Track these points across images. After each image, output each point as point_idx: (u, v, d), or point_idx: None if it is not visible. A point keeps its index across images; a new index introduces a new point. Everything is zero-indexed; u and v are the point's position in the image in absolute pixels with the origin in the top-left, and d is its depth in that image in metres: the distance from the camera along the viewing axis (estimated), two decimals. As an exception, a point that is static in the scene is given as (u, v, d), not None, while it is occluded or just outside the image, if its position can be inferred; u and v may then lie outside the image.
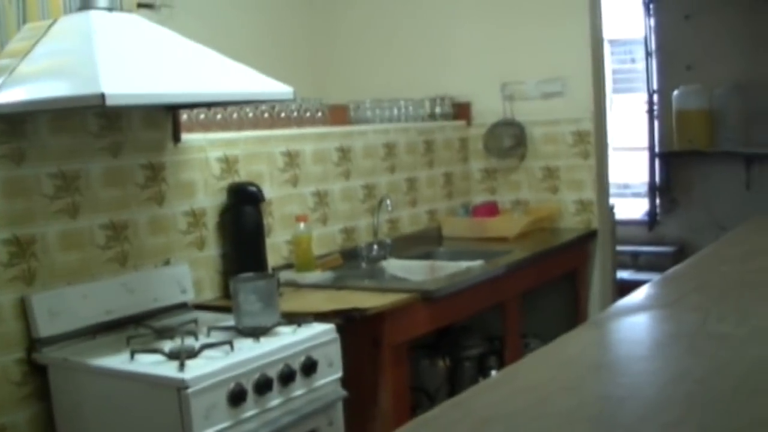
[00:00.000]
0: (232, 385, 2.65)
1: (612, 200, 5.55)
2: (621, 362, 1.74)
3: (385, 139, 4.64)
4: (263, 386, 2.75)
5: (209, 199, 3.61)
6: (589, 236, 5.10)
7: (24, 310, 2.89)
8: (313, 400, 2.97)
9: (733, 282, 2.52)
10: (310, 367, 2.95)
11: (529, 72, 5.19)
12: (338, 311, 3.24)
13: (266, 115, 3.98)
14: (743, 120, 7.30)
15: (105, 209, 3.18)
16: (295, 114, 4.13)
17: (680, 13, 7.66)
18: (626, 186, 8.32)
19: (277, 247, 3.91)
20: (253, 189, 3.65)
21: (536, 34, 5.14)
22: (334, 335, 3.10)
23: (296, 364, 2.90)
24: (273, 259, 3.82)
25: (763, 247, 3.41)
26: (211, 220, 3.62)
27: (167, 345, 2.85)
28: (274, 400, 2.81)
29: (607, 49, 7.54)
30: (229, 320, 3.08)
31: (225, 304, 3.35)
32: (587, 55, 5.04)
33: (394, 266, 4.30)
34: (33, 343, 2.90)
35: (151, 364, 2.71)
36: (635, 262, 7.68)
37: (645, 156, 7.99)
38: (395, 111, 4.87)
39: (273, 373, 2.81)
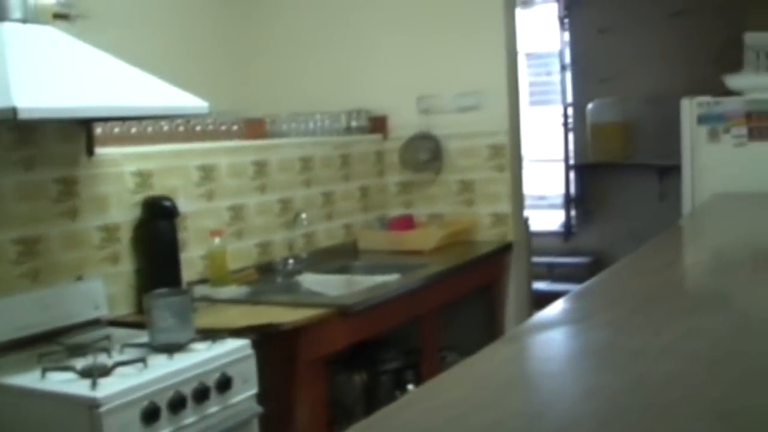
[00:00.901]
0: (145, 403, 2.62)
1: (528, 212, 5.62)
2: (536, 378, 1.75)
3: (301, 152, 4.63)
4: (177, 404, 2.72)
5: (123, 214, 3.56)
6: (505, 249, 5.14)
7: (-70, 329, 2.82)
8: (228, 418, 2.94)
9: (646, 296, 2.56)
10: (225, 384, 2.93)
11: (445, 86, 5.22)
12: (253, 327, 3.22)
13: (181, 128, 3.94)
14: (657, 132, 7.45)
15: (17, 224, 3.12)
16: (211, 127, 4.10)
17: (595, 27, 7.81)
18: (542, 198, 8.42)
19: (191, 262, 3.87)
20: (168, 203, 3.62)
21: (453, 48, 5.18)
22: (250, 351, 3.07)
23: (211, 381, 2.88)
24: (188, 274, 3.78)
25: (674, 260, 3.47)
26: (126, 234, 3.57)
27: (79, 362, 2.80)
28: (189, 418, 2.78)
29: (523, 62, 7.64)
30: (143, 337, 3.04)
31: (139, 319, 3.30)
32: (503, 69, 5.09)
33: (310, 280, 4.29)
34: (-61, 363, 2.83)
35: (62, 382, 2.66)
36: (551, 273, 7.78)
37: (561, 168, 8.12)
38: (311, 124, 4.87)
39: (187, 390, 2.78)
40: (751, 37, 5.89)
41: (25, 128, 3.15)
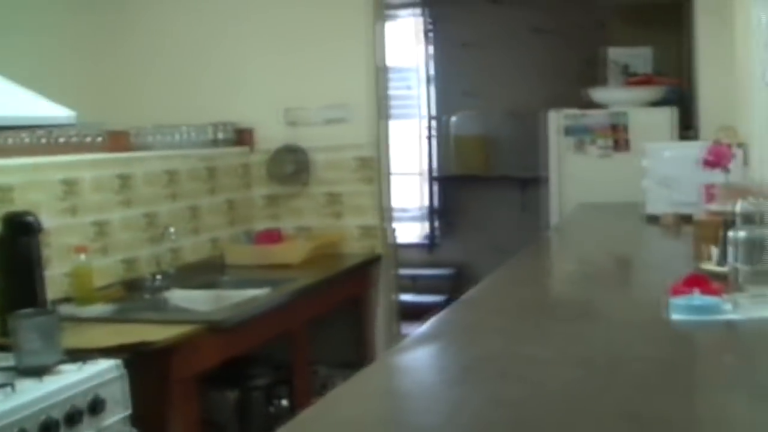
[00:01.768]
0: (15, 430, 2.48)
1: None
2: (434, 389, 1.73)
3: (167, 165, 4.52)
4: (49, 429, 2.60)
5: (-18, 230, 3.39)
6: (373, 261, 5.15)
7: None
8: (102, 441, 2.83)
9: (528, 305, 2.59)
10: (97, 406, 2.81)
11: (312, 98, 5.19)
12: (125, 346, 3.11)
13: (43, 140, 3.78)
14: (518, 145, 7.60)
15: None
16: (74, 140, 3.95)
17: (458, 41, 7.91)
18: (403, 210, 8.47)
19: (55, 279, 3.71)
20: (30, 219, 3.45)
21: (320, 60, 5.16)
22: (122, 371, 2.96)
23: (83, 404, 2.76)
24: (51, 292, 3.62)
25: (547, 270, 3.54)
26: (-16, 252, 3.40)
27: (-59, 389, 2.64)
28: (61, 443, 2.66)
29: (385, 76, 7.67)
30: (8, 360, 2.89)
31: (2, 342, 3.14)
32: (371, 81, 5.10)
33: (178, 297, 4.18)
34: None
35: (-77, 411, 2.51)
36: (415, 285, 7.82)
37: (421, 180, 8.18)
38: (177, 137, 4.76)
39: (58, 414, 2.65)
40: (614, 52, 6.08)
41: None
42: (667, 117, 5.44)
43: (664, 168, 4.22)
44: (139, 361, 3.11)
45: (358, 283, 5.05)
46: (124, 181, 4.19)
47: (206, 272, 4.70)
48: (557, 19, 7.60)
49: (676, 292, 2.25)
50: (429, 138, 8.23)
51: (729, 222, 2.49)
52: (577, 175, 5.48)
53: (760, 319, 2.04)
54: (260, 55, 5.26)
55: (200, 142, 4.92)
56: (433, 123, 8.22)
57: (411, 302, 7.02)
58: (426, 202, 8.29)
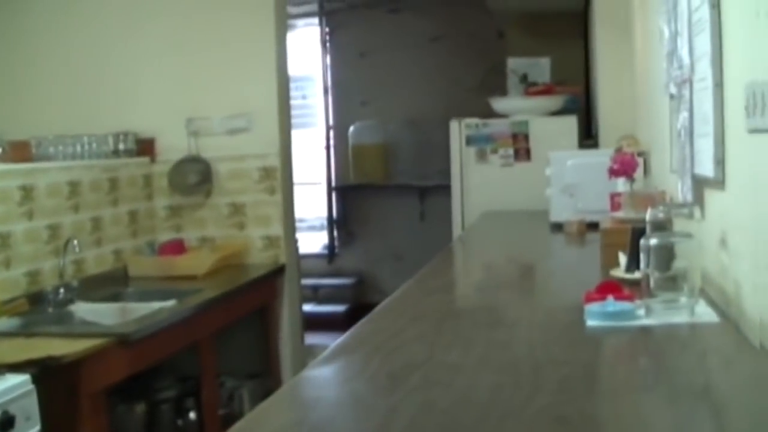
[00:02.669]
0: (-75, 449, 2.43)
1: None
2: (365, 398, 1.75)
3: (69, 176, 4.44)
4: (-41, 447, 2.54)
5: None
6: (278, 271, 5.14)
7: None
8: (12, 458, 2.78)
9: (446, 312, 2.63)
10: (6, 423, 2.76)
11: (215, 108, 5.16)
12: (33, 360, 3.06)
13: (-58, 151, 3.70)
14: (416, 154, 7.68)
15: None
16: (-26, 151, 3.86)
17: (356, 50, 7.96)
18: (302, 220, 8.47)
19: (-44, 294, 3.63)
20: (-70, 232, 3.38)
21: (222, 69, 5.14)
22: (30, 386, 2.91)
23: (-7, 421, 2.71)
24: (-48, 307, 3.55)
25: (457, 278, 3.59)
26: None
27: None
28: (-30, 461, 2.60)
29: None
30: None
31: None
32: (273, 91, 5.10)
33: (83, 310, 4.12)
34: None
35: None
36: (316, 294, 7.84)
37: (320, 190, 8.20)
38: (78, 147, 4.68)
39: (-32, 432, 2.60)
40: (513, 62, 6.18)
41: None
42: (567, 126, 5.56)
43: (568, 176, 4.32)
44: (47, 376, 3.06)
45: (263, 293, 5.04)
46: (26, 192, 4.10)
47: (110, 284, 4.63)
48: (456, 29, 7.71)
49: (589, 298, 2.31)
50: (327, 147, 8.26)
51: (636, 229, 2.57)
52: (479, 184, 5.56)
53: (672, 324, 2.12)
54: (162, 65, 5.21)
55: (102, 153, 4.84)
56: (332, 132, 8.25)
57: (313, 312, 7.03)
58: (326, 212, 8.30)
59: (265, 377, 4.99)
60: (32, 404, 2.91)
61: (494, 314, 2.57)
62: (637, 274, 2.47)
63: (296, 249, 5.49)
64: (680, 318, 2.14)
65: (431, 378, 1.84)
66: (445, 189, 6.02)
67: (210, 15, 5.17)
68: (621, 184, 3.49)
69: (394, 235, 7.88)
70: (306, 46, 8.23)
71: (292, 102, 7.48)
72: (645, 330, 2.12)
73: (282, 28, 5.21)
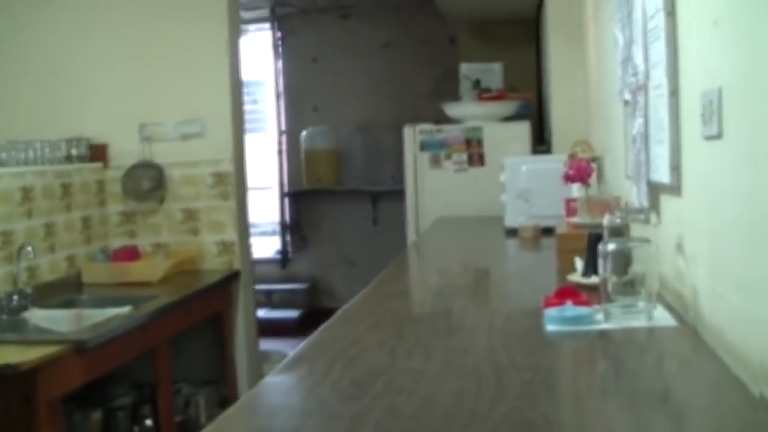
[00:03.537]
0: None
1: (248, 240, 5.63)
2: (331, 405, 1.76)
3: (21, 182, 4.40)
4: None
5: None
6: (232, 277, 5.13)
7: None
8: (-31, 468, 2.76)
9: (405, 318, 2.65)
10: (-37, 432, 2.74)
11: (168, 113, 5.15)
12: (-11, 369, 3.04)
13: None
14: (368, 159, 7.70)
15: None
16: (-74, 157, 3.82)
17: (308, 56, 7.96)
18: (254, 225, 8.45)
19: None
20: None
21: (175, 74, 5.13)
22: (-13, 395, 2.89)
23: (-50, 430, 2.68)
24: None
25: (413, 284, 3.61)
26: None
27: None
28: (-73, 471, 2.58)
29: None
30: None
31: None
32: (227, 96, 5.10)
33: (38, 316, 4.08)
34: None
35: None
36: (269, 300, 7.83)
37: (272, 195, 8.19)
38: (31, 153, 4.64)
39: (-75, 441, 2.58)
40: (465, 68, 6.21)
41: None
42: (520, 131, 5.60)
43: (522, 182, 4.36)
44: (3, 384, 3.04)
45: (218, 299, 5.03)
46: (-22, 199, 4.07)
47: (64, 291, 4.60)
48: (408, 34, 7.75)
49: (548, 303, 2.34)
50: (280, 153, 8.26)
51: (593, 234, 2.61)
52: (433, 189, 5.58)
53: (630, 328, 2.15)
54: (114, 70, 5.18)
55: (54, 158, 4.81)
56: (284, 137, 8.25)
57: (267, 318, 7.02)
58: (278, 217, 8.29)
59: (221, 383, 4.98)
60: (-12, 413, 2.89)
61: (454, 320, 2.59)
62: (594, 279, 2.51)
63: (250, 254, 5.49)
64: (638, 322, 2.18)
65: (395, 384, 1.85)
66: (398, 194, 6.04)
67: (163, 21, 5.15)
68: (576, 190, 3.52)
69: (347, 240, 7.90)
70: (257, 50, 8.22)
71: (245, 107, 7.47)
72: (604, 334, 2.15)
73: (235, 34, 5.21)
